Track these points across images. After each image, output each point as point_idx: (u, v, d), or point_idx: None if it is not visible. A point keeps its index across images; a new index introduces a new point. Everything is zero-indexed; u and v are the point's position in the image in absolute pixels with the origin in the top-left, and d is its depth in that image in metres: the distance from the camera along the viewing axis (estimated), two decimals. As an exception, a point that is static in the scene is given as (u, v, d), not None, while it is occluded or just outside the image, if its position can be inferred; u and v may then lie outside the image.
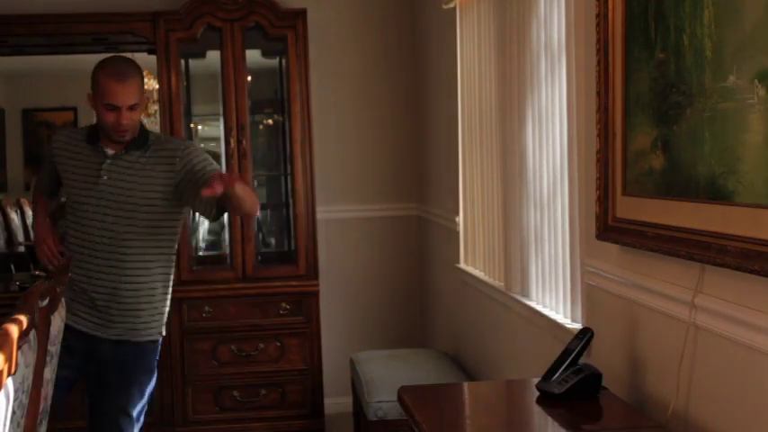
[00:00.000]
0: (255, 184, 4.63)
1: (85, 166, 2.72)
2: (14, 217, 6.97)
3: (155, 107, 7.50)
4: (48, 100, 9.43)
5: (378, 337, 4.75)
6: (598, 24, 2.06)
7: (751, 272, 1.47)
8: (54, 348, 2.10)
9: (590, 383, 1.96)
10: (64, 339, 2.26)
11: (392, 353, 3.94)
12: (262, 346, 4.25)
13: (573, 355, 2.00)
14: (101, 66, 2.62)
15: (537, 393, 2.01)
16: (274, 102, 4.82)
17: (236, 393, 4.26)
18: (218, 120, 4.73)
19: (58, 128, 7.88)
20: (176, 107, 4.23)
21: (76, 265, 2.70)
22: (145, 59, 5.59)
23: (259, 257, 4.42)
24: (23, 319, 1.70)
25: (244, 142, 4.23)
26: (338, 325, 4.74)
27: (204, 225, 5.11)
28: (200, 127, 5.25)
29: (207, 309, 4.22)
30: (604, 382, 2.01)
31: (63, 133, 2.87)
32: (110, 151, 2.70)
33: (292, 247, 4.45)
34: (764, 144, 1.42)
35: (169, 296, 2.88)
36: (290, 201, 4.48)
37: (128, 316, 2.73)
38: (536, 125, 2.76)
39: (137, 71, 2.65)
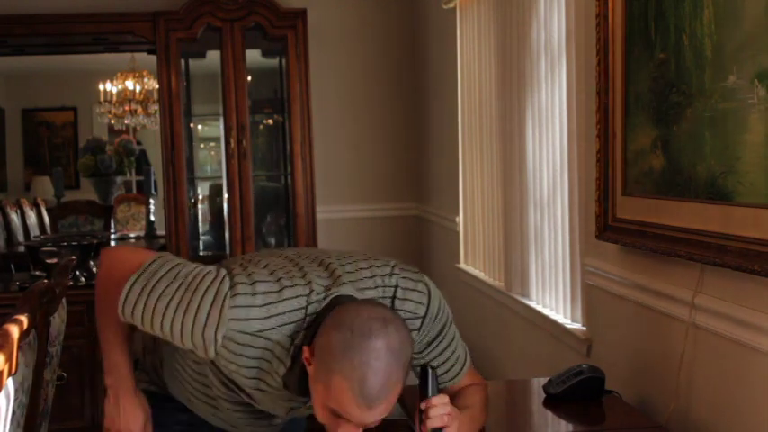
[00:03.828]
0: (255, 183, 4.63)
1: (268, 391, 1.58)
2: (14, 217, 6.96)
3: (155, 107, 7.52)
4: (48, 100, 9.45)
5: (378, 337, 4.75)
6: (598, 24, 2.06)
7: (751, 272, 1.47)
8: (54, 349, 2.09)
9: (593, 385, 1.95)
10: None
11: (392, 353, 3.92)
12: (262, 346, 4.25)
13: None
14: (347, 356, 1.35)
15: (536, 393, 2.01)
16: (274, 102, 4.82)
17: (236, 393, 4.25)
18: (218, 120, 4.73)
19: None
20: (176, 107, 4.23)
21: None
22: (145, 59, 5.61)
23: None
24: (24, 319, 1.70)
25: (244, 142, 4.24)
26: (338, 325, 4.74)
27: (204, 225, 5.11)
28: (200, 127, 5.25)
29: (207, 309, 4.22)
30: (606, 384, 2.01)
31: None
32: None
33: (292, 247, 4.45)
34: (764, 144, 1.42)
35: None
36: (290, 201, 4.48)
37: None
38: (536, 125, 2.76)
39: (399, 377, 1.39)
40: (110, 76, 7.77)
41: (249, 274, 1.47)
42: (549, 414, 1.94)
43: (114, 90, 7.82)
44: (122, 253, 1.67)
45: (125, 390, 1.69)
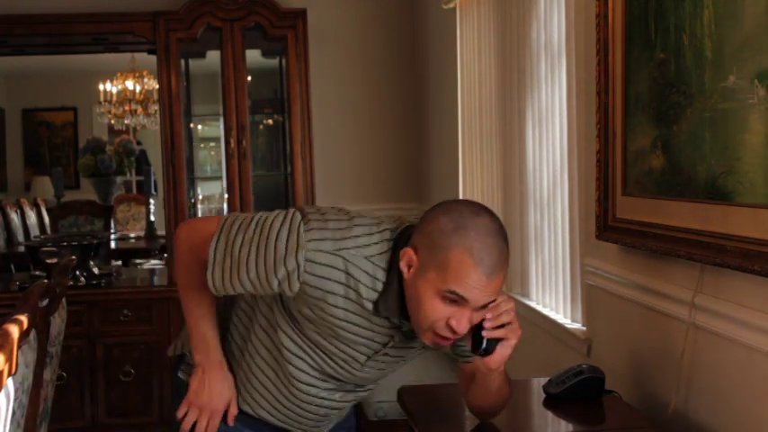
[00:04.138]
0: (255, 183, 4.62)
1: (351, 328, 1.59)
2: (14, 217, 6.97)
3: (155, 107, 7.53)
4: (48, 100, 9.45)
5: (378, 337, 4.75)
6: (598, 24, 2.06)
7: (751, 272, 1.47)
8: (54, 349, 2.09)
9: (593, 385, 1.95)
10: None
11: (392, 353, 3.92)
12: (262, 346, 4.24)
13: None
14: (461, 231, 1.43)
15: (536, 393, 2.01)
16: (274, 102, 4.82)
17: (236, 393, 4.25)
18: (218, 120, 4.73)
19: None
20: (176, 107, 4.23)
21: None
22: (145, 59, 5.61)
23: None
24: (24, 319, 1.70)
25: (244, 142, 4.23)
26: (338, 325, 4.73)
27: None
28: (200, 127, 5.25)
29: (207, 309, 4.22)
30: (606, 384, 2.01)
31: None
32: (404, 328, 1.60)
33: (292, 247, 4.44)
34: (764, 144, 1.42)
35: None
36: (291, 201, 4.47)
37: None
38: (536, 125, 2.76)
39: (507, 256, 1.48)
40: (110, 76, 7.77)
41: (318, 209, 1.55)
42: (549, 414, 1.94)
43: (114, 90, 7.82)
44: (195, 224, 1.72)
45: (212, 365, 1.70)
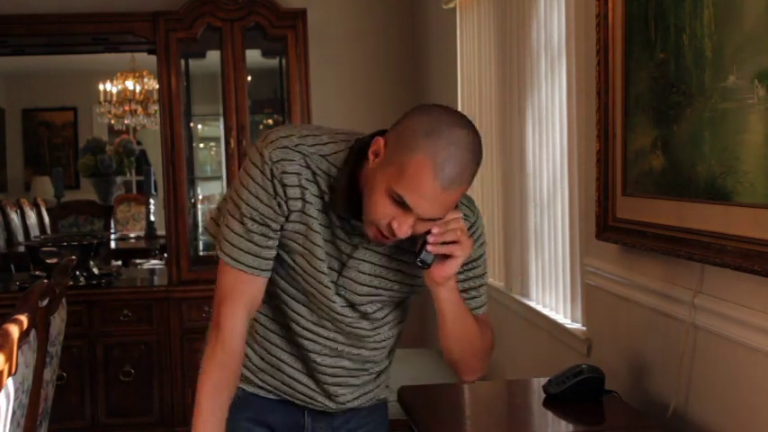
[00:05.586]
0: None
1: (324, 234, 1.55)
2: (14, 217, 6.97)
3: (155, 107, 7.53)
4: (48, 100, 9.45)
5: (378, 337, 4.75)
6: (598, 24, 2.06)
7: (751, 272, 1.47)
8: (54, 349, 2.09)
9: (592, 385, 1.95)
10: None
11: (392, 353, 3.92)
12: (262, 346, 4.24)
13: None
14: (433, 137, 1.37)
15: (536, 393, 2.01)
16: (274, 102, 4.82)
17: (236, 393, 4.25)
18: (218, 120, 4.73)
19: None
20: (176, 107, 4.23)
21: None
22: (145, 59, 5.62)
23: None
24: (24, 319, 1.70)
25: (244, 142, 4.24)
26: (338, 325, 4.73)
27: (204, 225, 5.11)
28: (200, 127, 5.25)
29: (207, 309, 4.22)
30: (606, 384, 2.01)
31: (295, 168, 1.52)
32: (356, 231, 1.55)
33: (292, 247, 4.44)
34: (764, 144, 1.42)
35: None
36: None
37: None
38: (536, 125, 2.76)
39: (471, 174, 1.42)
40: (110, 76, 7.78)
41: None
42: (549, 414, 1.94)
43: (114, 90, 7.83)
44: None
45: None
